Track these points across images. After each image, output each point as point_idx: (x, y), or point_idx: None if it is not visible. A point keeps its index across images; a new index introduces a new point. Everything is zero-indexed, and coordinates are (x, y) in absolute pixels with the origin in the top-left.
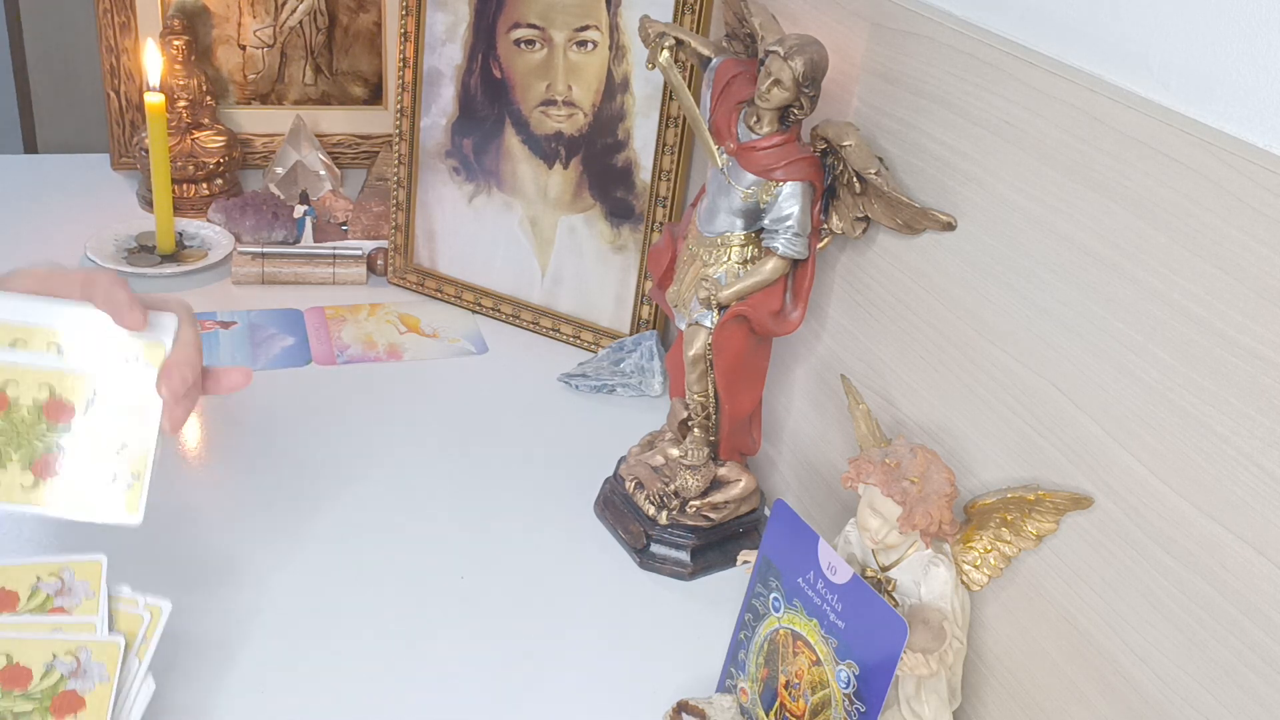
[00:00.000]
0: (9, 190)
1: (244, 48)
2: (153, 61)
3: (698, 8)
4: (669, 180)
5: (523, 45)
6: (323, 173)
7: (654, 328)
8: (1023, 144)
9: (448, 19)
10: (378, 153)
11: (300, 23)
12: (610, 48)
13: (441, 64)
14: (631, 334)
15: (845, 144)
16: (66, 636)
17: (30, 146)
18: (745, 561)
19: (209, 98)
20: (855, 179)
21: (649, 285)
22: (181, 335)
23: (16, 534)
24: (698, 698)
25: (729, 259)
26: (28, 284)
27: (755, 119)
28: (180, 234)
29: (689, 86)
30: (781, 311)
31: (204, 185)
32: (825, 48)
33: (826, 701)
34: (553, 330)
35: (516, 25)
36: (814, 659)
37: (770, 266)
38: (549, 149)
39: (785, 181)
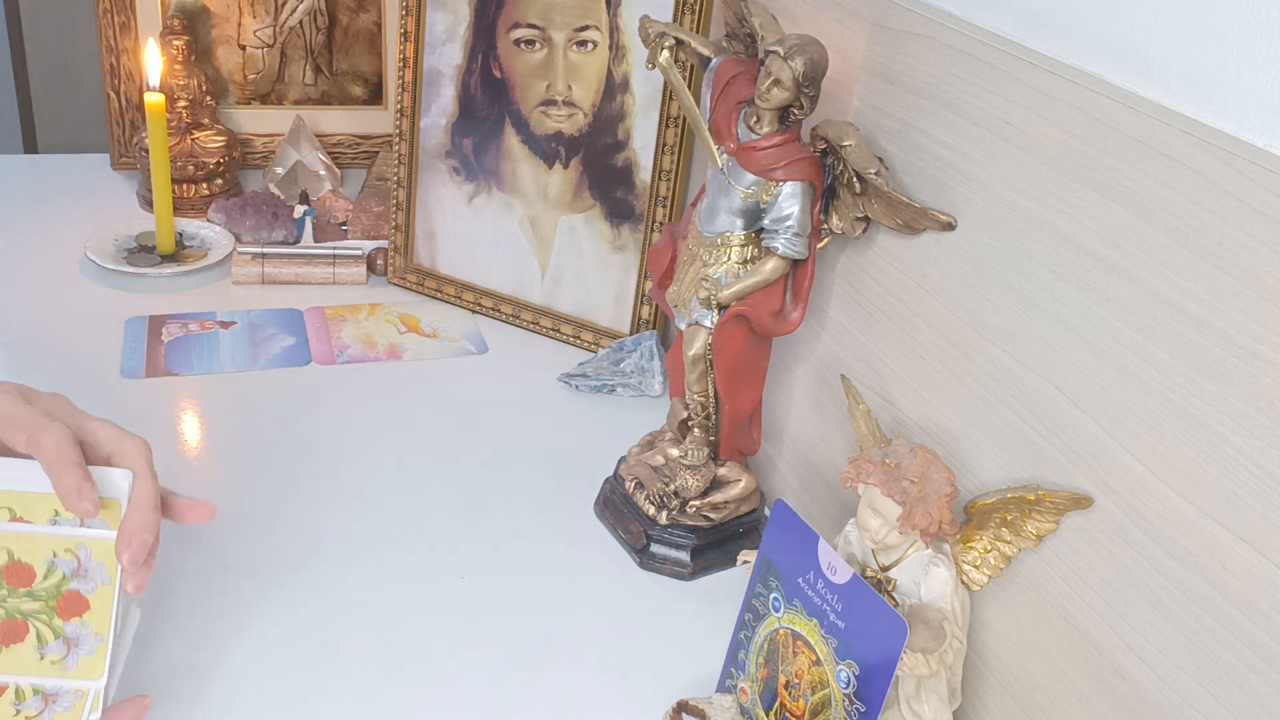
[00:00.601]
0: (9, 190)
1: (244, 48)
2: (153, 61)
3: (698, 8)
4: (669, 180)
5: (523, 45)
6: (323, 173)
7: (654, 328)
8: (1023, 144)
9: (448, 19)
10: (378, 153)
11: (300, 23)
12: (610, 48)
13: (441, 64)
14: (631, 334)
15: (845, 144)
16: (66, 533)
17: (30, 146)
18: (745, 561)
19: (209, 98)
20: (855, 179)
21: (649, 285)
22: (137, 493)
23: None
24: (698, 698)
25: (729, 259)
26: None
27: (755, 119)
28: (180, 234)
29: (689, 86)
30: (781, 311)
31: (204, 185)
32: (825, 48)
33: (826, 701)
34: (553, 330)
35: (516, 25)
36: (814, 659)
37: (770, 266)
38: (549, 149)
39: (785, 181)
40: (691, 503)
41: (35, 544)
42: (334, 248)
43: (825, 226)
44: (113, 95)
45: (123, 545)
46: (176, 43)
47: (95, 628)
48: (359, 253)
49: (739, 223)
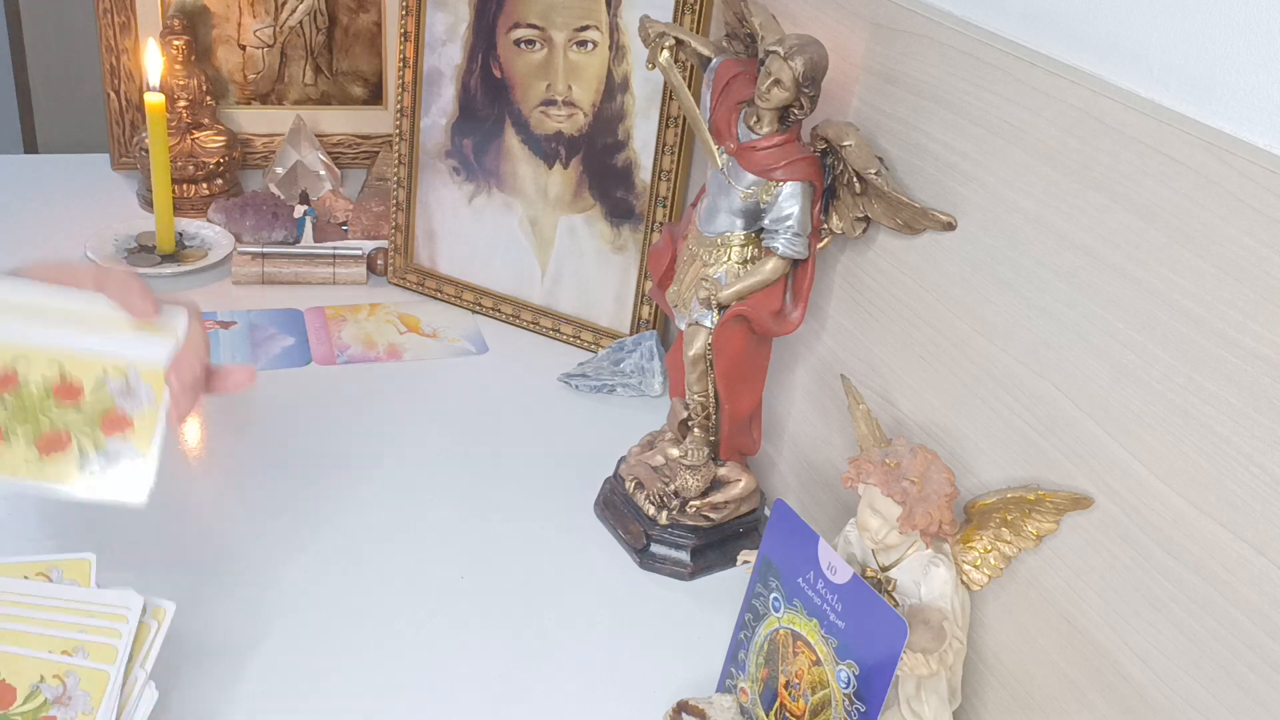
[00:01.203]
0: (9, 190)
1: (244, 48)
2: (153, 61)
3: (698, 8)
4: (669, 180)
5: (523, 45)
6: (323, 173)
7: (654, 328)
8: (1023, 144)
9: (448, 19)
10: (378, 153)
11: (300, 23)
12: (610, 48)
13: (441, 64)
14: (631, 334)
15: (845, 144)
16: (117, 353)
17: (30, 146)
18: (745, 561)
19: (209, 98)
20: (855, 179)
21: (649, 285)
22: (191, 329)
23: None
24: (698, 698)
25: (729, 259)
26: (42, 275)
27: (755, 119)
28: (180, 234)
29: (689, 86)
30: (781, 311)
31: (204, 185)
32: (825, 48)
33: (826, 701)
34: (553, 330)
35: (516, 25)
36: (814, 659)
37: (770, 266)
38: (549, 149)
39: (785, 181)
40: (691, 503)
41: (86, 362)
42: (334, 248)
43: (825, 226)
44: (113, 95)
45: (172, 369)
46: (176, 43)
47: (137, 444)
48: (359, 253)
49: (739, 223)
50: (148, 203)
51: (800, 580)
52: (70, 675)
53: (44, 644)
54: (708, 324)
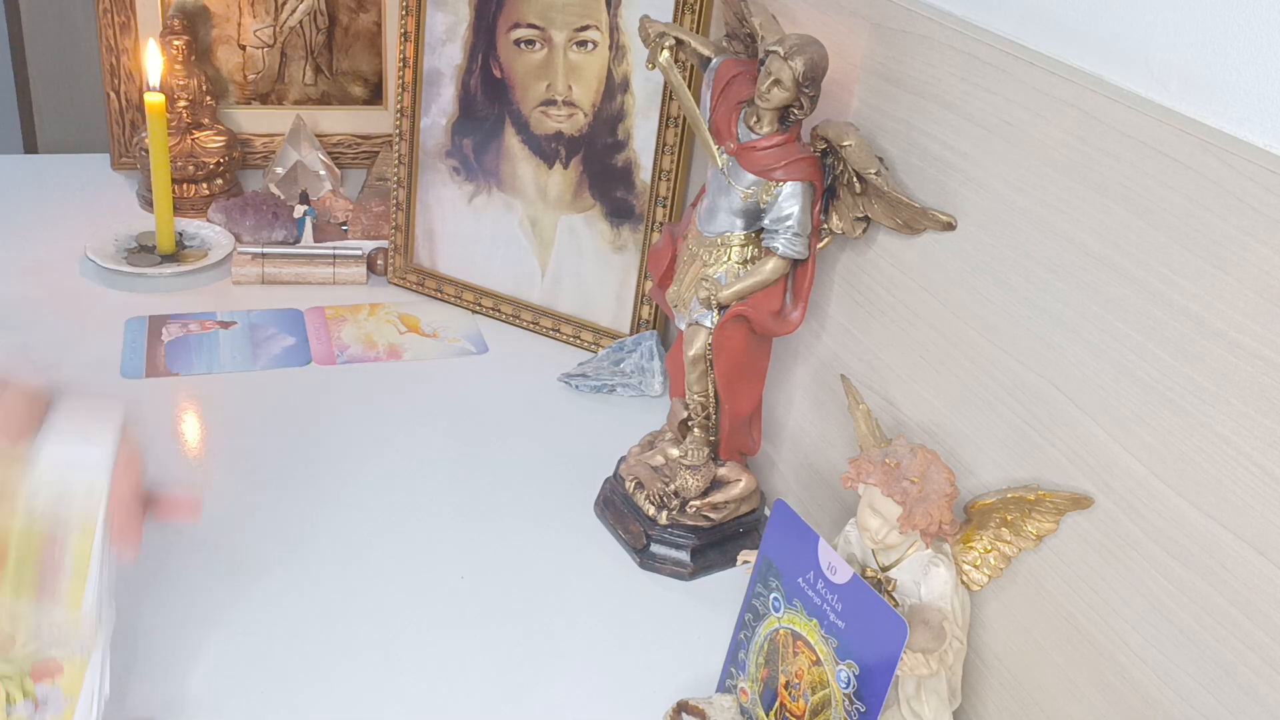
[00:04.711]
0: (9, 190)
1: (244, 48)
2: (153, 61)
3: (698, 8)
4: (669, 180)
5: (523, 45)
6: (323, 173)
7: (654, 328)
8: (1023, 144)
9: (448, 19)
10: (378, 153)
11: (300, 23)
12: (610, 48)
13: (441, 64)
14: (631, 334)
15: (845, 144)
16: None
17: (30, 146)
18: (745, 561)
19: (209, 98)
20: (855, 179)
21: (649, 285)
22: (121, 450)
23: None
24: (698, 698)
25: (729, 259)
26: None
27: (755, 119)
28: (180, 234)
29: (689, 86)
30: (781, 311)
31: (204, 185)
32: (825, 48)
33: (826, 701)
34: (553, 330)
35: (516, 25)
36: (814, 659)
37: (770, 266)
38: (549, 149)
39: (785, 181)
40: (691, 503)
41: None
42: (334, 248)
43: (825, 226)
44: (113, 95)
45: (110, 497)
46: (176, 43)
47: (66, 690)
48: (359, 253)
49: (739, 223)
50: (148, 203)
51: (800, 580)
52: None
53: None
54: (708, 324)
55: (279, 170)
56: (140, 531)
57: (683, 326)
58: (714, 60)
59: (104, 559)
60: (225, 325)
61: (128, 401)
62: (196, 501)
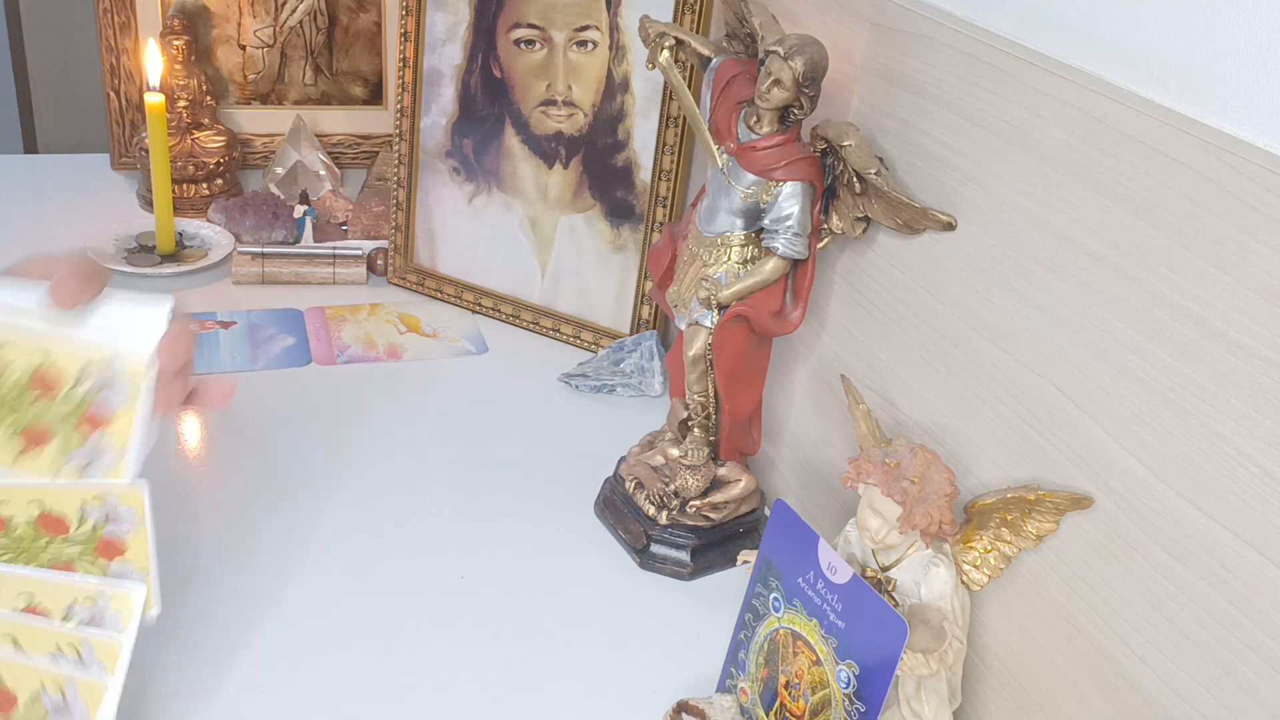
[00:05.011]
0: (9, 190)
1: (244, 48)
2: (153, 61)
3: (698, 8)
4: (669, 180)
5: (523, 45)
6: (323, 173)
7: (654, 328)
8: (1023, 144)
9: (448, 19)
10: (378, 153)
11: (300, 23)
12: (610, 48)
13: (441, 64)
14: (631, 334)
15: (845, 144)
16: (87, 483)
17: (30, 146)
18: (745, 561)
19: (209, 98)
20: (855, 179)
21: (649, 285)
22: (176, 323)
23: None
24: (698, 698)
25: (729, 259)
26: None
27: (755, 119)
28: (180, 234)
29: (689, 86)
30: (781, 311)
31: (204, 185)
32: (825, 48)
33: (826, 701)
34: (553, 330)
35: (516, 25)
36: (814, 659)
37: (770, 266)
38: (549, 149)
39: (785, 181)
40: (691, 503)
41: (65, 354)
42: (334, 248)
43: (825, 226)
44: (113, 95)
45: (159, 353)
46: (176, 43)
47: (116, 441)
48: (359, 253)
49: (739, 223)
50: (148, 203)
51: (800, 580)
52: (70, 685)
53: (47, 643)
54: (708, 324)
55: (279, 170)
56: (179, 403)
57: (683, 326)
58: (714, 60)
59: (147, 425)
60: (225, 325)
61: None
62: (230, 388)
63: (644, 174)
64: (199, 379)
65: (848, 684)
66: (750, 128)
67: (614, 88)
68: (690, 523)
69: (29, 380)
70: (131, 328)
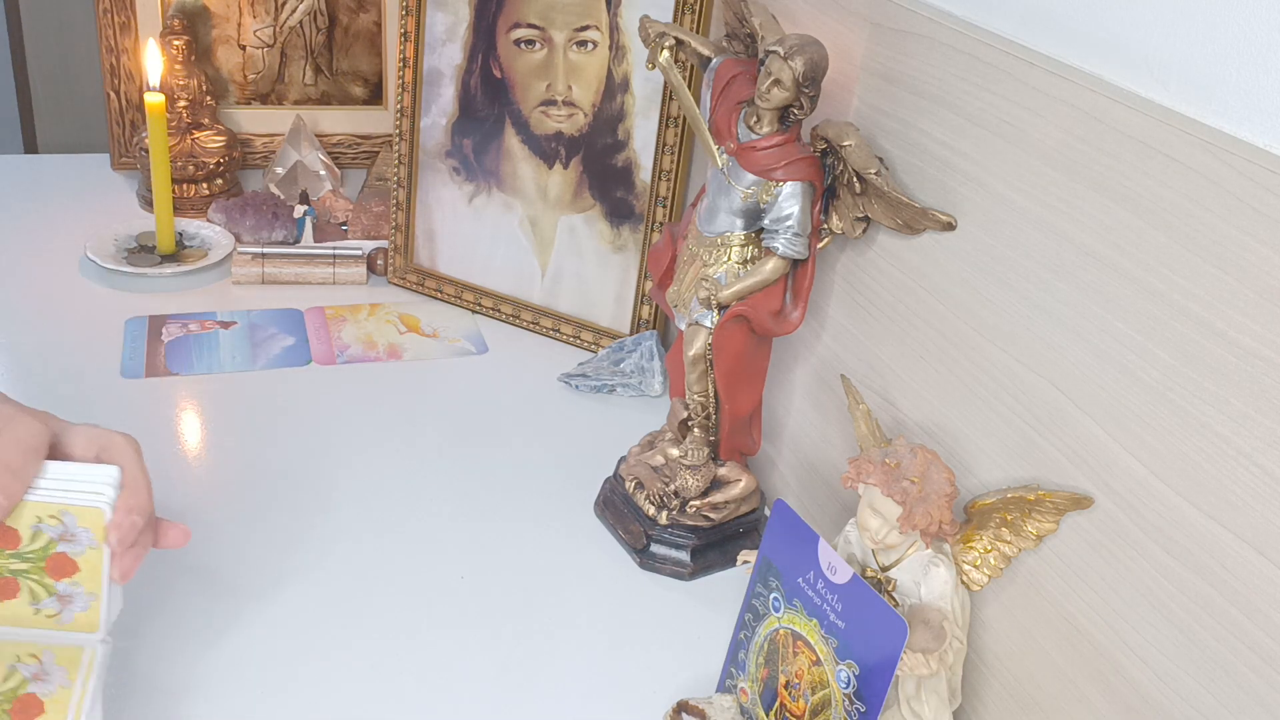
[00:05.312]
0: (9, 190)
1: (244, 48)
2: (153, 61)
3: (698, 8)
4: (669, 180)
5: (523, 45)
6: (323, 173)
7: (654, 328)
8: (1023, 144)
9: (448, 19)
10: (378, 153)
11: (300, 23)
12: (610, 48)
13: (441, 64)
14: (631, 334)
15: (845, 144)
16: (48, 498)
17: (30, 146)
18: (745, 561)
19: (209, 98)
20: (855, 179)
21: (649, 285)
22: (129, 479)
23: None
24: (698, 698)
25: (729, 259)
26: None
27: (755, 119)
28: (180, 234)
29: (689, 86)
30: (781, 311)
31: (204, 185)
32: (825, 48)
33: (826, 701)
34: (553, 330)
35: (516, 25)
36: (814, 659)
37: (770, 266)
38: (549, 149)
39: (785, 181)
40: (691, 503)
41: (19, 510)
42: (334, 248)
43: (825, 226)
44: (113, 95)
45: (112, 526)
46: (176, 43)
47: (87, 586)
48: (359, 253)
49: (739, 223)
50: (148, 203)
51: (800, 580)
52: (66, 514)
53: (20, 616)
54: (708, 324)
55: (279, 170)
56: (139, 561)
57: (683, 326)
58: (714, 60)
59: (109, 589)
60: (225, 325)
61: (135, 437)
62: (186, 531)
63: (644, 174)
64: (161, 526)
65: (848, 684)
66: (750, 128)
67: (614, 88)
68: (690, 523)
69: None
70: (78, 489)
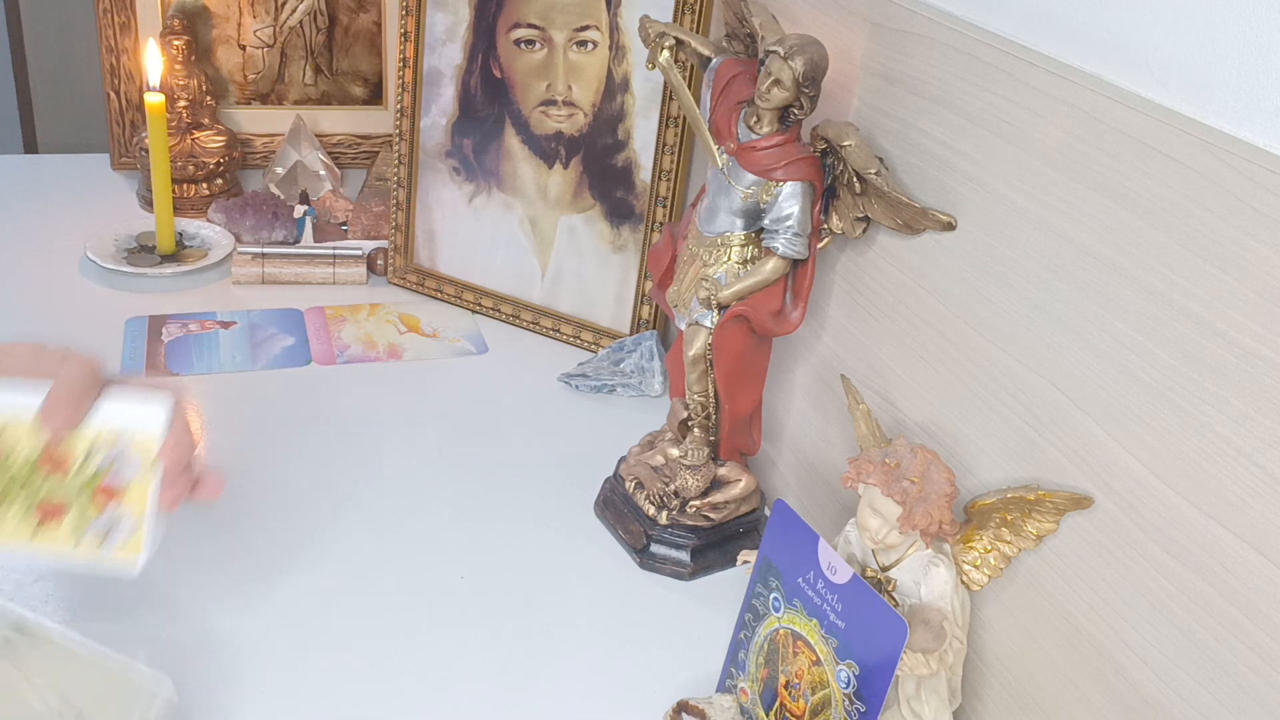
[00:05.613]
0: (9, 190)
1: (244, 48)
2: (153, 61)
3: (698, 8)
4: (669, 180)
5: (523, 45)
6: (323, 173)
7: (654, 328)
8: (1023, 144)
9: (448, 19)
10: (378, 153)
11: (300, 23)
12: (610, 48)
13: (441, 64)
14: (631, 334)
15: (845, 144)
16: (104, 426)
17: (30, 146)
18: (745, 561)
19: (209, 98)
20: (855, 179)
21: (649, 285)
22: (176, 418)
23: None
24: (698, 698)
25: (729, 259)
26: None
27: (755, 119)
28: (180, 234)
29: (689, 86)
30: (781, 311)
31: (204, 185)
32: (825, 48)
33: (826, 701)
34: (553, 330)
35: (516, 25)
36: (814, 659)
37: (770, 266)
38: (549, 149)
39: (785, 181)
40: (691, 503)
41: (71, 437)
42: (334, 248)
43: (825, 226)
44: (113, 95)
45: (163, 452)
46: (176, 43)
47: (134, 513)
48: (359, 253)
49: (739, 223)
50: (148, 203)
51: (800, 580)
52: (121, 438)
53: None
54: (708, 324)
55: (279, 170)
56: (183, 499)
57: (683, 326)
58: (714, 60)
59: (156, 515)
60: (225, 325)
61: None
62: (222, 483)
63: (644, 174)
64: (201, 471)
65: (848, 684)
66: (750, 128)
67: (614, 88)
68: (690, 523)
69: (39, 458)
70: (134, 417)
